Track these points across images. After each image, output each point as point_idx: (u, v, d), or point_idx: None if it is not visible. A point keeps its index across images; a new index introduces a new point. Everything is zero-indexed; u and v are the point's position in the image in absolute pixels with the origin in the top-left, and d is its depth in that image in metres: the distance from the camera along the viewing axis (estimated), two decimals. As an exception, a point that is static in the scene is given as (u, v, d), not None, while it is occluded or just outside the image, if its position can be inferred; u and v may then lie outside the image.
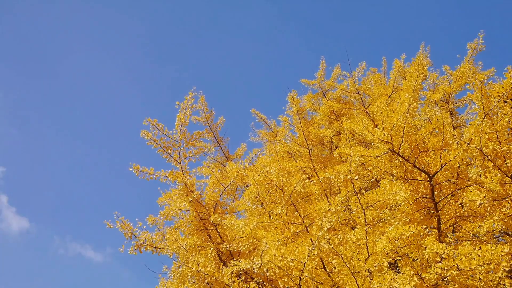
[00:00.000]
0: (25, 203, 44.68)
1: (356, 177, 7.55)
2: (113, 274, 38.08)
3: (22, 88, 46.81)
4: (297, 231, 7.98)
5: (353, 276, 6.60)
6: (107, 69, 47.36)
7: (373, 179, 9.64)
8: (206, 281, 8.14)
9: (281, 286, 7.15)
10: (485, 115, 7.48)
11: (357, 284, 6.58)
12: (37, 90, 46.91)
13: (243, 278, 8.75)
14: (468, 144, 7.51)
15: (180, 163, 10.31)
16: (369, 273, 6.79)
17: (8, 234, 42.41)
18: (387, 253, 6.86)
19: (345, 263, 6.65)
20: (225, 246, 9.07)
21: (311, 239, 7.06)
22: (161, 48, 47.98)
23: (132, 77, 47.66)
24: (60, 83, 46.65)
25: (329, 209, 6.91)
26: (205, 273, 7.92)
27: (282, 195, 8.19)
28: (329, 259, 6.97)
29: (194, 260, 8.10)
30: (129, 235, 9.95)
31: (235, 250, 9.16)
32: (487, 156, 7.48)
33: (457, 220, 8.30)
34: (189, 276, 8.21)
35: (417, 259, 7.06)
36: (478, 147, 7.47)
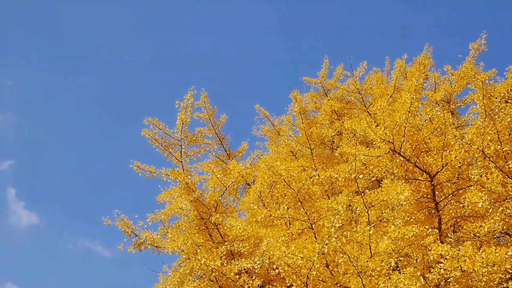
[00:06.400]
0: (34, 197, 44.51)
1: (360, 176, 7.55)
2: (122, 269, 37.99)
3: (34, 78, 46.51)
4: (302, 228, 7.99)
5: (359, 276, 6.60)
6: (112, 67, 47.34)
7: (374, 179, 9.63)
8: (212, 275, 8.16)
9: (288, 284, 7.17)
10: (486, 115, 7.49)
11: (363, 284, 6.58)
12: (49, 82, 46.67)
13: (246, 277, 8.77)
14: (470, 144, 7.50)
15: (182, 161, 10.31)
16: (372, 272, 6.80)
17: (17, 229, 42.38)
18: (390, 253, 6.87)
19: (352, 262, 6.65)
20: (226, 246, 9.07)
21: (315, 236, 7.07)
22: (162, 46, 47.97)
23: (135, 75, 47.62)
24: (71, 77, 46.53)
25: (337, 208, 6.92)
26: (213, 267, 7.93)
27: (289, 191, 8.20)
28: (336, 258, 6.97)
29: (202, 255, 8.11)
30: (129, 233, 9.98)
31: (236, 251, 9.17)
32: (488, 157, 7.47)
33: (458, 220, 8.30)
34: (196, 269, 8.21)
35: (419, 260, 7.07)
36: (480, 148, 7.46)
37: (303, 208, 8.05)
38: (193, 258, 8.22)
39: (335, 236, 6.74)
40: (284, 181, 8.30)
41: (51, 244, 41.66)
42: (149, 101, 44.44)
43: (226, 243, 9.12)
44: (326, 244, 6.70)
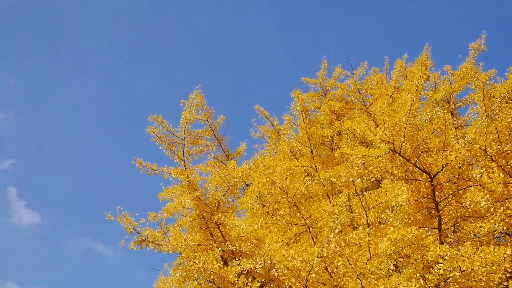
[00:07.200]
0: (35, 196, 44.41)
1: (358, 180, 7.55)
2: (123, 268, 37.98)
3: (36, 77, 46.37)
4: (300, 232, 8.00)
5: (358, 278, 6.62)
6: (113, 66, 47.33)
7: (374, 179, 9.66)
8: (211, 278, 8.17)
9: (287, 286, 7.18)
10: (487, 115, 7.53)
11: (362, 286, 6.60)
12: (51, 80, 46.53)
13: (248, 278, 8.78)
14: (471, 144, 7.53)
15: (184, 160, 10.34)
16: (371, 274, 6.82)
17: (18, 228, 42.30)
18: (389, 254, 6.88)
19: (351, 264, 6.67)
20: (227, 245, 9.08)
21: (313, 240, 7.07)
22: (161, 47, 47.96)
23: (135, 75, 47.60)
24: (73, 76, 46.44)
25: (337, 211, 6.93)
26: (211, 270, 7.94)
27: (284, 196, 8.21)
28: (335, 261, 6.98)
29: (200, 257, 8.12)
30: (131, 229, 10.02)
31: (237, 250, 9.18)
32: (491, 157, 7.51)
33: (458, 221, 8.33)
34: (194, 272, 8.23)
35: (419, 260, 7.09)
36: (482, 148, 7.49)
37: (299, 212, 8.06)
38: (191, 262, 8.23)
39: (334, 239, 6.75)
40: (279, 187, 8.30)
41: (52, 243, 41.65)
42: (149, 100, 44.46)
43: (227, 243, 9.14)
44: (325, 248, 6.72)
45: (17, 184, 43.56)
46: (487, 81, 7.65)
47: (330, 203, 7.78)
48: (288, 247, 7.17)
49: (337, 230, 6.72)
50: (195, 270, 8.16)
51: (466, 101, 12.70)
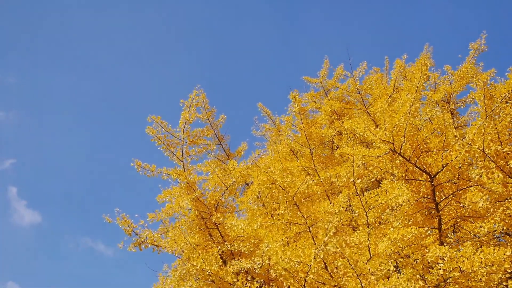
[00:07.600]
0: (36, 196, 44.45)
1: (358, 180, 7.54)
2: (124, 268, 37.93)
3: (37, 76, 46.38)
4: (300, 231, 7.98)
5: (358, 278, 6.60)
6: (114, 66, 47.35)
7: (374, 179, 9.64)
8: (210, 279, 8.16)
9: (286, 287, 7.16)
10: (487, 115, 7.51)
11: (362, 286, 6.58)
12: (51, 80, 46.51)
13: (247, 278, 8.76)
14: (470, 144, 7.52)
15: (183, 161, 10.33)
16: (371, 275, 6.80)
17: (19, 227, 42.35)
18: (389, 255, 6.86)
19: (351, 265, 6.64)
20: (226, 245, 9.07)
21: (313, 239, 7.04)
22: (161, 47, 47.95)
23: (135, 75, 47.61)
24: (73, 75, 46.46)
25: (337, 211, 6.90)
26: (210, 271, 7.93)
27: (285, 195, 8.19)
28: (335, 261, 6.95)
29: (199, 258, 8.11)
30: (130, 231, 10.00)
31: (236, 250, 9.16)
32: (489, 157, 7.50)
33: (458, 221, 8.31)
34: (193, 273, 8.22)
35: (418, 261, 7.07)
36: (480, 148, 7.48)
37: (300, 211, 8.04)
38: (189, 264, 8.22)
39: (331, 240, 6.73)
40: (280, 186, 8.29)
41: (53, 243, 41.66)
42: (149, 100, 44.47)
43: (226, 243, 9.12)
44: (321, 250, 6.70)
45: (18, 184, 43.64)
46: (488, 81, 7.64)
47: (330, 203, 7.76)
48: (285, 248, 7.15)
49: (331, 232, 6.70)
50: (194, 271, 8.15)
51: (466, 101, 12.68)
